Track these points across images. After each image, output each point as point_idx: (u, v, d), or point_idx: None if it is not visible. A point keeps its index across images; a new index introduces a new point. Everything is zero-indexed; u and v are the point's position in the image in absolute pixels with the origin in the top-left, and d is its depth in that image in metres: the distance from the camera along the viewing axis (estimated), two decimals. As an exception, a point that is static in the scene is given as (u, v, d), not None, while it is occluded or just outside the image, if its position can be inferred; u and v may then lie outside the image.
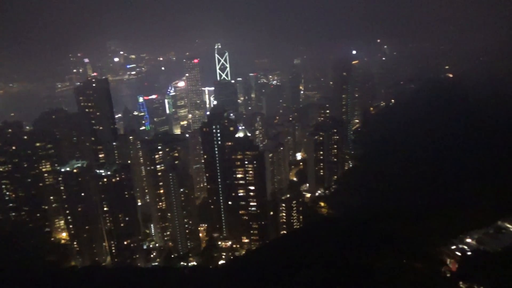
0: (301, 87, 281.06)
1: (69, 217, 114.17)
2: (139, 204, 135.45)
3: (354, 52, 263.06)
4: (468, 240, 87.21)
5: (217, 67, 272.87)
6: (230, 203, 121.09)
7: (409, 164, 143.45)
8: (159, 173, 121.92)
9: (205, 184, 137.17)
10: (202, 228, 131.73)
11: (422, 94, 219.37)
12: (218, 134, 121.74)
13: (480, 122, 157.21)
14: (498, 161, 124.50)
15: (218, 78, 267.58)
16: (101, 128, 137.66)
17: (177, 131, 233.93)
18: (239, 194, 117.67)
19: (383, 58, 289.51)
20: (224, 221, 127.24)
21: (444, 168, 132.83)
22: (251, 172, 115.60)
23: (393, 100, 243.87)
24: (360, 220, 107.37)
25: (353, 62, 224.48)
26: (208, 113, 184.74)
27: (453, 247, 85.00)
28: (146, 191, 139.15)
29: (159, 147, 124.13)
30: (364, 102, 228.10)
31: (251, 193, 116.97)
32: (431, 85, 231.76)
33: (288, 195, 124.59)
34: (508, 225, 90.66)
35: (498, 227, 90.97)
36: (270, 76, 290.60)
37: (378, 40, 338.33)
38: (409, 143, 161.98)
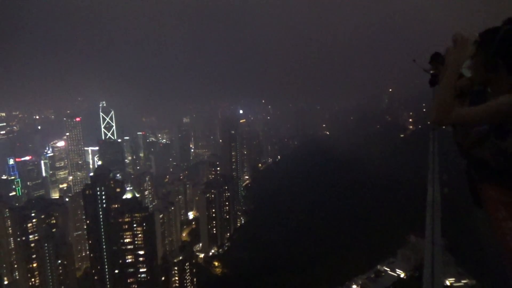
0: (191, 145, 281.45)
1: None
2: (6, 283, 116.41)
3: (241, 111, 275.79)
4: (354, 286, 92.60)
5: (102, 126, 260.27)
6: (116, 271, 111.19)
7: (297, 216, 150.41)
8: (32, 244, 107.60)
9: (88, 252, 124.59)
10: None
11: (304, 150, 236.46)
12: (103, 196, 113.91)
13: (353, 174, 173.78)
14: (373, 208, 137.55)
15: (103, 137, 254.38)
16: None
17: (55, 195, 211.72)
18: (127, 261, 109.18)
19: (268, 117, 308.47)
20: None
21: (327, 217, 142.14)
22: (140, 235, 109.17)
23: (279, 156, 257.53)
24: (252, 277, 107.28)
25: (241, 121, 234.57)
26: (91, 174, 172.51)
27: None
28: (16, 266, 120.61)
29: (33, 214, 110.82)
30: (253, 158, 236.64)
31: (141, 258, 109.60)
32: (311, 142, 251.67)
33: (180, 257, 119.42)
34: (386, 268, 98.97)
35: (378, 271, 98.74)
36: (159, 135, 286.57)
37: (263, 101, 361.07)
38: (295, 195, 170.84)
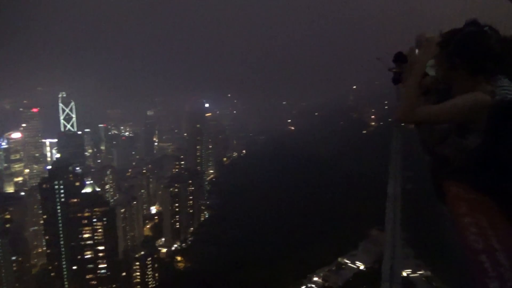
0: (155, 139, 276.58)
1: None
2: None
3: (207, 105, 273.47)
4: (315, 278, 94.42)
5: (61, 117, 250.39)
6: (75, 267, 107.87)
7: (262, 210, 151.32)
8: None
9: (45, 248, 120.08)
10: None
11: (269, 145, 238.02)
12: (62, 190, 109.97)
13: (318, 169, 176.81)
14: (337, 203, 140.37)
15: (63, 129, 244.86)
16: None
17: (10, 189, 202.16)
18: (86, 256, 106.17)
19: (234, 112, 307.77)
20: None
21: (292, 212, 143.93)
22: (100, 230, 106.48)
23: (244, 151, 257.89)
24: (216, 271, 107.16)
25: (206, 115, 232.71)
26: (49, 167, 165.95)
27: (303, 287, 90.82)
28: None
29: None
30: (218, 153, 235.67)
31: (101, 254, 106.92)
32: (276, 137, 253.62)
33: (142, 252, 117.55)
34: (347, 261, 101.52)
35: (339, 263, 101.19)
36: (122, 127, 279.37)
37: (229, 95, 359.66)
38: (261, 189, 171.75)
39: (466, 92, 3.21)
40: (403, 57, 4.81)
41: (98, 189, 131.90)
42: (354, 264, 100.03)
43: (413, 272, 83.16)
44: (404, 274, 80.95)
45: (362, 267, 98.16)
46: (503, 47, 3.14)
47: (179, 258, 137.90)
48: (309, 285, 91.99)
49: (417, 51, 3.79)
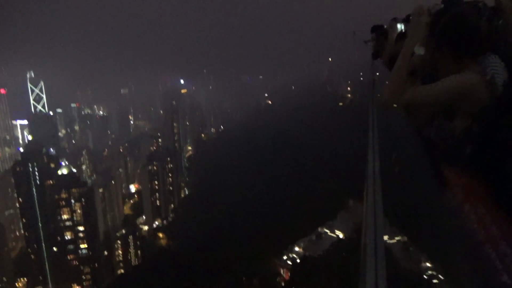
0: (130, 117, 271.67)
1: None
2: None
3: (182, 81, 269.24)
4: (297, 248, 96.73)
5: (31, 98, 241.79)
6: (55, 249, 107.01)
7: (241, 185, 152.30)
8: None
9: (22, 232, 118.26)
10: (21, 284, 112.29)
11: (247, 120, 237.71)
12: (36, 173, 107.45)
13: (296, 142, 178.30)
14: (315, 175, 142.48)
15: (33, 111, 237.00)
16: None
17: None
18: (66, 238, 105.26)
19: (210, 87, 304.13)
20: (48, 271, 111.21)
21: (272, 185, 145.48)
22: (79, 211, 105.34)
23: (222, 127, 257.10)
24: (198, 247, 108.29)
25: (182, 91, 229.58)
26: (21, 150, 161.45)
27: (285, 257, 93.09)
28: None
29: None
30: (195, 130, 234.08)
31: (81, 235, 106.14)
32: (254, 112, 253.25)
33: (123, 231, 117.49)
34: (326, 230, 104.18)
35: (319, 233, 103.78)
36: (96, 107, 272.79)
37: (205, 71, 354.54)
38: (239, 165, 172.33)
39: (452, 73, 3.13)
40: (381, 30, 4.79)
41: (74, 170, 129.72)
42: (334, 233, 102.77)
43: (390, 239, 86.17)
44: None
45: (341, 236, 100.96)
46: (491, 25, 3.11)
47: (160, 235, 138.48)
48: (290, 255, 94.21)
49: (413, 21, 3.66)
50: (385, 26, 4.51)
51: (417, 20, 3.40)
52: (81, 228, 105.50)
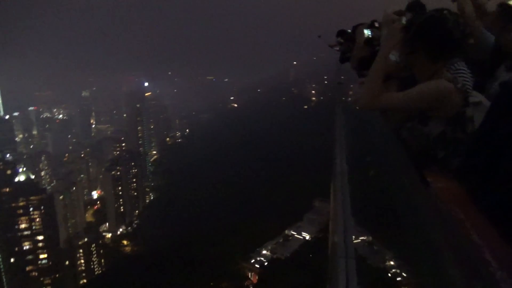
0: (92, 121, 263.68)
1: None
2: None
3: (146, 84, 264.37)
4: (264, 251, 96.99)
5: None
6: (12, 260, 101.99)
7: (208, 188, 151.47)
8: None
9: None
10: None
11: (213, 123, 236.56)
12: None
13: (262, 144, 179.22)
14: (282, 177, 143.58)
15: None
16: None
17: None
18: (25, 248, 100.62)
19: (175, 90, 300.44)
20: (6, 284, 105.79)
21: (239, 188, 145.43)
22: (38, 219, 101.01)
23: (187, 130, 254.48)
24: (163, 252, 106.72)
25: (146, 94, 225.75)
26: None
27: (253, 261, 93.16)
28: None
29: None
30: (160, 133, 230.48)
31: (40, 244, 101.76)
32: (220, 115, 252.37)
33: (86, 239, 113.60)
34: (293, 232, 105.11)
35: (286, 235, 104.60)
36: (55, 110, 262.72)
37: (169, 73, 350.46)
38: (206, 168, 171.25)
39: (426, 77, 3.22)
40: (346, 35, 4.83)
41: (32, 177, 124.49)
42: (300, 235, 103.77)
43: (355, 239, 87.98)
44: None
45: (308, 237, 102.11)
46: (461, 31, 3.21)
47: (125, 242, 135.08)
48: (258, 259, 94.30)
49: (383, 30, 3.76)
50: (349, 31, 4.62)
51: (391, 26, 3.45)
52: (40, 238, 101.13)
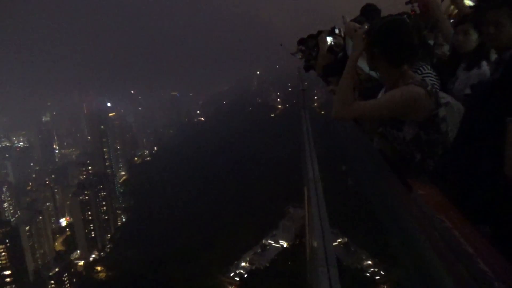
0: (55, 146, 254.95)
1: None
2: None
3: (109, 104, 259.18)
4: (242, 263, 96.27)
5: None
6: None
7: (180, 205, 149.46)
8: None
9: None
10: None
11: (180, 138, 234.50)
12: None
13: (231, 156, 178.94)
14: (254, 187, 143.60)
15: None
16: None
17: None
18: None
19: (140, 108, 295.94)
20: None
21: (211, 202, 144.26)
22: (3, 253, 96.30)
23: (155, 147, 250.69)
24: (139, 273, 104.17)
25: (110, 114, 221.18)
26: None
27: (232, 274, 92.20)
28: None
29: None
30: (127, 152, 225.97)
31: (8, 279, 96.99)
32: (186, 129, 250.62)
33: (56, 269, 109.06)
34: (270, 241, 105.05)
35: (263, 245, 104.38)
36: (14, 138, 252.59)
37: (132, 91, 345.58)
38: (176, 184, 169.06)
39: (393, 81, 3.26)
40: (306, 43, 4.89)
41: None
42: (278, 243, 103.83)
43: (334, 242, 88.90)
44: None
45: (285, 245, 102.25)
46: (419, 35, 3.26)
47: (99, 268, 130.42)
48: (237, 271, 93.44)
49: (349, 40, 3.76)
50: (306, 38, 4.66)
51: (354, 34, 3.47)
52: (7, 272, 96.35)
